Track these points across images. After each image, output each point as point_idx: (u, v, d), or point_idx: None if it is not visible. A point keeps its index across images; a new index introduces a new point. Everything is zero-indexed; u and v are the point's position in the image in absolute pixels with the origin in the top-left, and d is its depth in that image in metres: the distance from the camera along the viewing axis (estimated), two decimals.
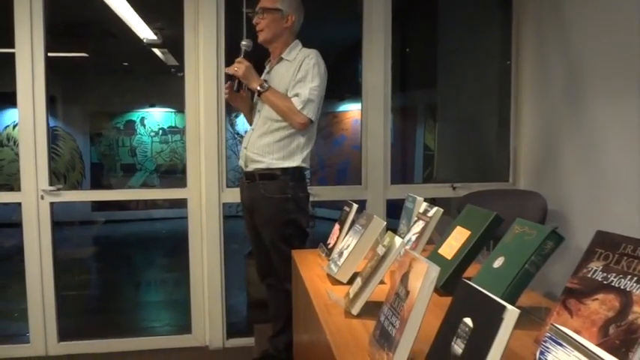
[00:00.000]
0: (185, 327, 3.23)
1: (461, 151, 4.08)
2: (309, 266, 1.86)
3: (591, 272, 1.08)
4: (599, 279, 1.06)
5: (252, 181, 2.43)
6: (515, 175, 3.31)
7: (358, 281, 1.40)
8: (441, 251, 1.64)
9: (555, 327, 0.66)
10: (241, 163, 2.51)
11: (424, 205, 1.90)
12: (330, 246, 1.96)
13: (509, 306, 0.73)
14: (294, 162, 2.36)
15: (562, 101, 2.86)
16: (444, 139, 4.51)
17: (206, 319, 3.16)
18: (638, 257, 1.00)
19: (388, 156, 3.19)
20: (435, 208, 1.81)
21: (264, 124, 2.41)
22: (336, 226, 2.00)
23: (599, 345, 0.99)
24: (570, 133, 2.80)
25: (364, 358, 1.10)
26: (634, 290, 0.97)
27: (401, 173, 5.96)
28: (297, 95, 2.32)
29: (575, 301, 1.08)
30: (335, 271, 1.64)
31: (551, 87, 2.99)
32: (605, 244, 1.09)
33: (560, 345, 0.63)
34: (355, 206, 1.94)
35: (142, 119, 8.89)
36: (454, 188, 3.26)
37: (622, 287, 1.00)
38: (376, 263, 1.36)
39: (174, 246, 6.75)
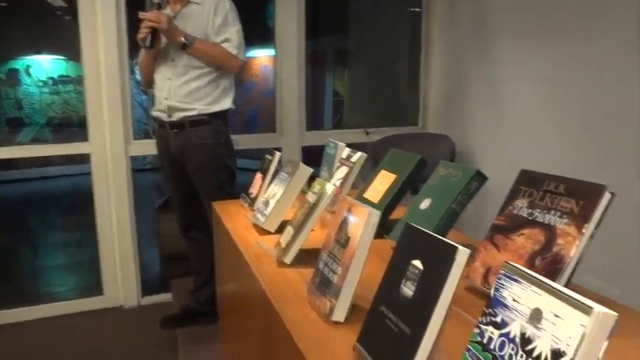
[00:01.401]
0: (95, 288, 3.07)
1: (372, 96, 4.13)
2: (233, 217, 1.80)
3: (517, 209, 1.14)
4: (525, 215, 1.11)
5: (182, 129, 2.38)
6: (424, 119, 3.41)
7: (289, 230, 1.37)
8: (366, 195, 1.65)
9: (509, 264, 0.67)
10: (158, 114, 2.41)
11: (347, 150, 1.90)
12: (252, 196, 1.91)
13: (460, 247, 0.74)
14: (225, 104, 2.39)
15: (469, 47, 2.96)
16: (355, 85, 4.53)
17: (118, 278, 3.02)
18: (561, 193, 1.06)
19: (303, 103, 3.14)
20: (359, 153, 1.81)
21: (185, 73, 2.35)
22: (258, 175, 1.95)
23: None
24: (476, 78, 2.91)
25: (303, 305, 1.09)
26: (557, 224, 1.03)
27: (311, 120, 5.95)
28: (227, 40, 2.33)
29: (502, 236, 1.13)
30: (262, 220, 1.60)
31: (460, 33, 3.07)
32: (529, 182, 1.15)
33: (516, 281, 0.64)
34: (278, 154, 1.89)
35: (27, 68, 8.01)
36: (367, 133, 3.31)
37: (546, 222, 1.06)
38: (307, 211, 1.34)
39: (73, 205, 6.32)
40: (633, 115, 2.25)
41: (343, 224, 1.06)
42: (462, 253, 0.74)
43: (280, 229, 1.58)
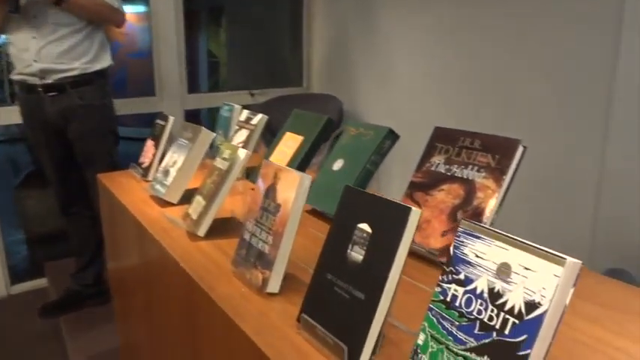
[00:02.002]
0: None
1: (252, 57, 4.00)
2: (126, 190, 1.64)
3: (434, 166, 1.16)
4: (443, 171, 1.14)
5: (61, 92, 2.14)
6: (309, 80, 3.39)
7: (199, 200, 1.28)
8: (272, 159, 1.59)
9: (467, 221, 0.67)
10: (24, 77, 2.12)
11: (245, 112, 1.81)
12: (144, 165, 1.75)
13: (413, 207, 0.73)
14: (105, 61, 2.20)
15: (353, 5, 2.96)
16: (233, 46, 4.35)
17: None
18: (477, 149, 1.10)
19: (183, 63, 2.94)
20: (260, 115, 1.73)
21: (53, 31, 2.09)
22: (149, 143, 1.78)
23: (450, 229, 1.09)
24: (360, 37, 2.94)
25: (230, 279, 1.02)
26: (476, 178, 1.08)
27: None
28: None
29: (422, 193, 1.16)
30: (163, 192, 1.47)
31: None
32: (444, 138, 1.17)
33: (478, 238, 0.65)
34: (172, 118, 1.74)
35: None
36: (253, 95, 3.21)
37: (465, 177, 1.09)
38: (219, 179, 1.25)
39: None
40: (511, 75, 2.44)
41: (270, 191, 1.00)
42: (415, 213, 0.73)
43: (183, 200, 1.47)
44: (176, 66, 2.89)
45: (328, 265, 0.83)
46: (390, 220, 0.75)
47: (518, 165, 1.05)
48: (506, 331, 0.59)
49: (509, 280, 0.60)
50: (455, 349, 0.63)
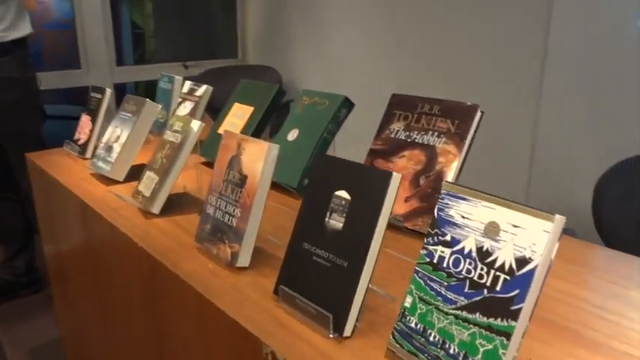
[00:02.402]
0: None
1: (182, 28, 3.82)
2: (62, 169, 1.52)
3: (394, 132, 1.17)
4: (403, 138, 1.15)
5: None
6: (244, 51, 3.30)
7: (150, 176, 1.21)
8: (221, 131, 1.53)
9: (450, 183, 0.68)
10: None
11: (189, 84, 1.73)
12: (81, 142, 1.63)
13: (393, 172, 0.72)
14: (24, 29, 2.01)
15: None
16: (160, 16, 4.14)
17: None
18: (436, 114, 1.12)
19: (111, 34, 2.76)
20: (205, 86, 1.66)
21: None
22: (85, 118, 1.66)
23: (413, 195, 1.10)
24: (296, 5, 2.88)
25: (195, 256, 0.98)
26: (437, 144, 1.09)
27: None
28: None
29: (383, 160, 1.16)
30: (107, 169, 1.38)
31: None
32: (403, 105, 1.18)
33: (463, 199, 0.65)
34: (109, 91, 1.63)
35: None
36: (186, 67, 3.08)
37: (425, 142, 1.11)
38: (172, 152, 1.19)
39: None
40: (448, 38, 2.49)
41: (234, 162, 0.96)
42: (395, 178, 0.73)
43: (130, 177, 1.39)
44: (102, 36, 2.70)
45: (305, 235, 0.81)
46: (369, 186, 0.74)
47: (476, 129, 1.07)
48: (498, 288, 0.60)
49: (497, 238, 0.61)
50: (445, 309, 0.64)
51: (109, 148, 1.42)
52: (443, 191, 0.68)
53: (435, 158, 1.08)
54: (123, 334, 1.26)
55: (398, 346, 0.68)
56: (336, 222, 0.77)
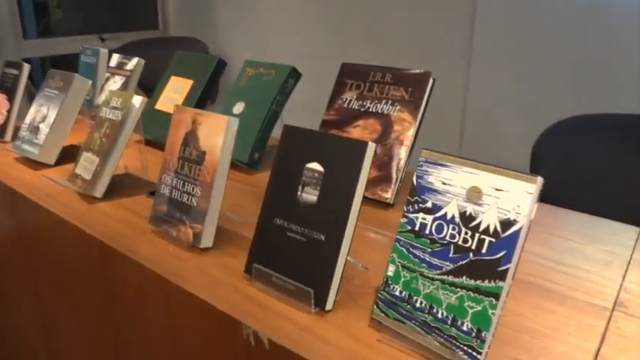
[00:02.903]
0: None
1: None
2: None
3: (347, 102, 1.15)
4: (356, 107, 1.14)
5: None
6: (165, 21, 3.13)
7: (89, 157, 1.12)
8: (159, 107, 1.45)
9: (428, 150, 0.68)
10: None
11: (117, 57, 1.61)
12: None
13: (369, 142, 0.71)
14: None
15: None
16: None
17: None
18: (389, 83, 1.12)
19: (14, 3, 2.50)
20: (136, 59, 1.56)
21: None
22: (0, 97, 1.50)
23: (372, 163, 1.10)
24: None
25: (150, 239, 0.93)
26: (391, 112, 1.09)
27: None
28: None
29: (337, 130, 1.15)
30: (35, 152, 1.26)
31: None
32: (354, 74, 1.17)
33: (443, 165, 0.65)
34: (27, 66, 1.48)
35: None
36: (103, 40, 2.87)
37: (380, 111, 1.11)
38: (113, 131, 1.10)
39: None
40: (376, 5, 2.49)
41: (189, 139, 0.91)
42: (371, 148, 0.72)
43: (61, 160, 1.29)
44: (5, 6, 2.45)
45: (276, 210, 0.78)
46: (343, 156, 0.73)
47: (429, 96, 1.08)
48: (483, 250, 0.61)
49: (480, 202, 0.62)
50: (430, 275, 0.65)
51: (34, 129, 1.30)
52: (421, 158, 0.68)
53: (390, 127, 1.08)
54: (69, 329, 1.18)
55: (382, 314, 0.68)
56: (309, 195, 0.75)
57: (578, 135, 1.36)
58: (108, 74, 1.60)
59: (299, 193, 0.76)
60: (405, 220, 0.68)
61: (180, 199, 0.90)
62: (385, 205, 1.05)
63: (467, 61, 2.20)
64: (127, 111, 1.10)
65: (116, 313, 0.97)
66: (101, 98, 1.57)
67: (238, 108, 1.31)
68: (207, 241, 0.88)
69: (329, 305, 0.72)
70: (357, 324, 0.70)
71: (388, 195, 1.04)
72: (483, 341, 0.60)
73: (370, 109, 1.12)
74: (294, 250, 0.75)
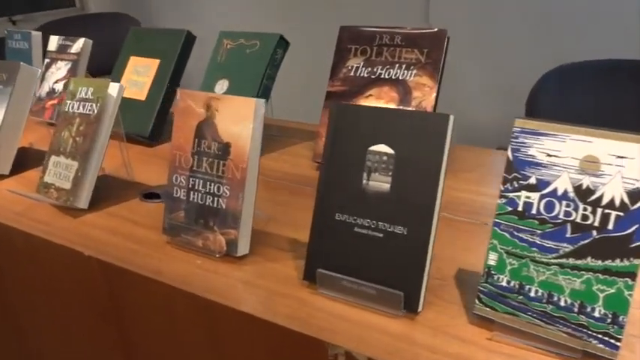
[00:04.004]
0: None
1: None
2: None
3: (353, 70, 1.04)
4: (365, 75, 1.03)
5: None
6: None
7: (63, 162, 0.94)
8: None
9: (523, 119, 0.59)
10: None
11: (56, 39, 1.38)
12: None
13: (449, 114, 0.61)
14: None
15: None
16: None
17: None
18: (399, 45, 1.01)
19: None
20: (82, 40, 1.34)
21: None
22: None
23: None
24: None
25: (168, 254, 0.78)
26: (407, 77, 0.99)
27: None
28: None
29: (345, 102, 1.03)
30: None
31: None
32: (356, 38, 1.05)
33: (545, 135, 0.57)
34: None
35: None
36: (14, 22, 2.52)
37: (394, 77, 1.00)
38: (89, 128, 0.93)
39: None
40: None
41: (205, 129, 0.77)
42: (452, 120, 0.62)
43: (17, 168, 1.08)
44: None
45: (336, 205, 0.67)
46: (417, 133, 0.63)
47: (445, 56, 1.00)
48: (610, 227, 0.54)
49: (599, 173, 0.55)
50: (544, 260, 0.57)
51: None
52: (515, 129, 0.59)
53: (409, 93, 0.99)
54: None
55: (488, 309, 0.60)
56: (379, 183, 0.64)
57: (570, 83, 1.34)
58: (48, 60, 1.38)
59: (364, 181, 0.65)
60: (504, 200, 0.60)
61: (203, 202, 0.76)
62: None
63: (425, 21, 2.13)
64: (104, 102, 0.92)
65: (140, 353, 0.83)
66: (44, 89, 1.35)
67: (221, 86, 1.16)
68: (243, 247, 0.75)
69: (420, 306, 0.63)
70: (455, 323, 0.62)
71: None
72: (621, 326, 0.54)
73: (382, 76, 1.01)
74: (368, 248, 0.65)
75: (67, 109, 0.98)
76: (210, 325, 0.71)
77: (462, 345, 0.59)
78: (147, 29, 1.32)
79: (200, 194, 0.77)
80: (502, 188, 0.60)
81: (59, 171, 0.94)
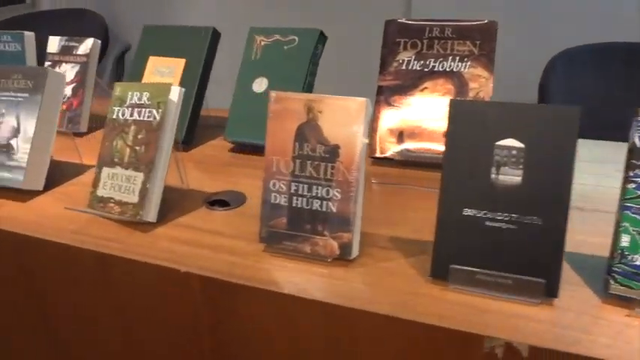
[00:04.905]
0: None
1: None
2: None
3: (405, 64, 1.05)
4: (418, 68, 1.04)
5: None
6: None
7: (121, 173, 0.88)
8: None
9: None
10: None
11: (57, 39, 1.28)
12: None
13: (577, 107, 0.63)
14: None
15: None
16: None
17: None
18: (450, 37, 1.03)
19: None
20: (91, 40, 1.25)
21: None
22: None
23: None
24: None
25: (273, 262, 0.76)
26: (462, 69, 1.01)
27: None
28: None
29: (399, 96, 1.04)
30: (20, 178, 0.95)
31: None
32: (405, 32, 1.05)
33: None
34: None
35: None
36: None
37: (448, 69, 1.02)
38: (150, 136, 0.87)
39: None
40: None
41: (307, 131, 0.75)
42: (578, 112, 0.64)
43: (51, 184, 1.00)
44: None
45: (464, 200, 0.68)
46: (548, 127, 0.65)
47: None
48: None
49: None
50: None
51: (5, 148, 0.98)
52: (638, 118, 0.63)
53: (465, 85, 1.01)
54: None
55: (624, 288, 0.63)
56: (509, 177, 0.66)
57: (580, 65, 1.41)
58: (49, 63, 1.27)
59: (493, 176, 0.66)
60: (633, 185, 0.63)
61: (310, 207, 0.74)
62: None
63: (407, 8, 2.16)
64: (166, 108, 0.87)
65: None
66: None
67: (260, 85, 1.12)
68: (356, 250, 0.74)
69: (559, 293, 0.65)
70: (592, 304, 0.65)
71: None
72: None
73: (436, 68, 1.02)
74: (501, 240, 0.66)
75: (115, 117, 0.91)
76: (335, 331, 0.70)
77: (608, 324, 0.61)
78: (163, 27, 1.24)
79: (305, 199, 0.75)
80: (630, 174, 0.63)
81: (118, 183, 0.88)
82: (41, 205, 0.95)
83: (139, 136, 0.88)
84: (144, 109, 0.89)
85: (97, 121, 1.32)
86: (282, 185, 0.76)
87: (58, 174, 1.05)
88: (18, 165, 0.96)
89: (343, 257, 0.74)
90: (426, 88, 1.03)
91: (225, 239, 0.82)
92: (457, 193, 0.68)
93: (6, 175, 0.97)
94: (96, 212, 0.88)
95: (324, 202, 0.74)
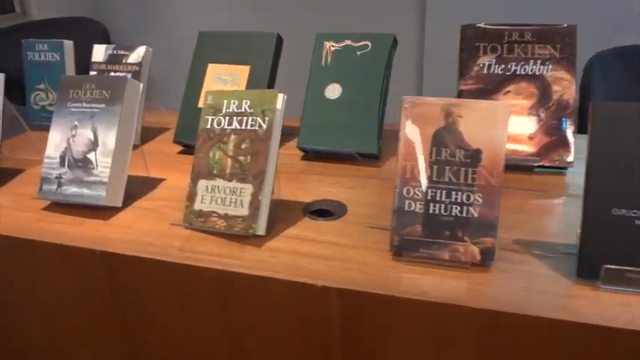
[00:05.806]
0: None
1: None
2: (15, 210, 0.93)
3: (485, 68, 1.04)
4: (500, 72, 1.04)
5: None
6: (22, 2, 2.45)
7: (225, 186, 0.83)
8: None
9: None
10: None
11: (104, 48, 1.22)
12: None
13: None
14: None
15: None
16: None
17: None
18: (530, 41, 1.03)
19: None
20: (143, 47, 1.20)
21: None
22: None
23: (537, 130, 1.02)
24: None
25: (407, 270, 0.74)
26: (544, 72, 1.02)
27: None
28: None
29: (483, 100, 1.03)
30: (102, 194, 0.89)
31: None
32: (483, 36, 1.05)
33: None
34: (1, 76, 1.01)
35: None
36: None
37: (530, 73, 1.02)
38: (256, 146, 0.83)
39: None
40: None
41: (445, 136, 0.73)
42: None
43: (125, 199, 0.94)
44: None
45: (612, 201, 0.68)
46: None
47: None
48: None
49: None
50: None
51: (81, 163, 0.91)
52: None
53: (548, 88, 1.01)
54: None
55: None
56: None
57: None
58: (94, 72, 1.20)
59: None
60: None
61: (448, 213, 0.73)
62: (559, 169, 1.00)
63: (421, 12, 2.18)
64: (273, 116, 0.83)
65: None
66: None
67: (333, 91, 1.10)
68: (496, 255, 0.73)
69: None
70: None
71: (570, 158, 0.99)
72: None
73: (518, 72, 1.03)
74: None
75: (210, 126, 0.87)
76: (494, 337, 0.68)
77: None
78: (221, 33, 1.19)
79: (444, 205, 0.73)
80: None
81: (220, 196, 0.84)
82: (127, 223, 0.89)
83: (243, 146, 0.84)
84: (245, 118, 0.85)
85: (148, 133, 1.26)
86: (417, 192, 0.74)
87: (130, 188, 0.99)
88: (99, 180, 0.90)
89: (484, 263, 0.72)
90: (509, 91, 1.03)
91: (347, 250, 0.79)
92: (606, 194, 0.68)
93: (86, 191, 0.90)
94: (204, 228, 0.83)
95: (465, 208, 0.72)
